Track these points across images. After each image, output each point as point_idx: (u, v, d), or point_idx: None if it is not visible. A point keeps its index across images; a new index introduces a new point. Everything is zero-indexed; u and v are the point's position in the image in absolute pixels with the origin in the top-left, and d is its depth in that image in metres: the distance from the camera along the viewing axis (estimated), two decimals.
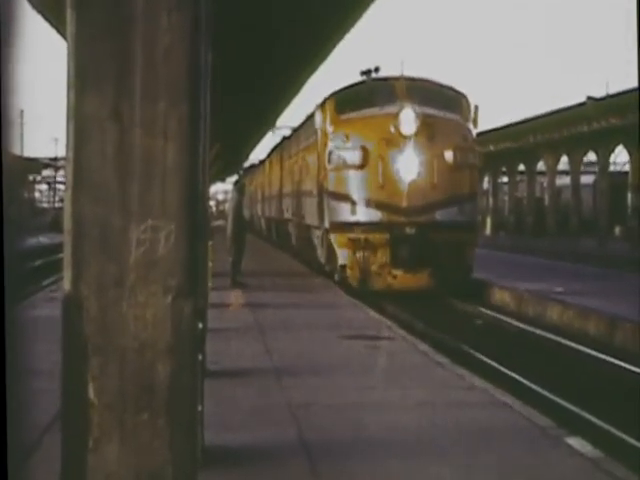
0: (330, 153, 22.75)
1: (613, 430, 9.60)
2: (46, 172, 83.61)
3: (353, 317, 16.16)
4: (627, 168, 54.23)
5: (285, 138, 39.64)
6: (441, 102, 23.23)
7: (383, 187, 21.82)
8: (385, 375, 10.76)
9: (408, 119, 21.80)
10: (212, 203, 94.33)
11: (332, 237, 22.51)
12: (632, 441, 9.18)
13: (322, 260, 24.48)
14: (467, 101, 23.72)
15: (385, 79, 24.11)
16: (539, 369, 13.15)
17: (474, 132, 23.54)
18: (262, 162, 54.93)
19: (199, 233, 4.92)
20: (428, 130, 21.97)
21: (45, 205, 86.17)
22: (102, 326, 4.64)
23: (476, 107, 23.66)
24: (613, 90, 45.16)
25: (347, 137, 22.48)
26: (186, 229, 4.70)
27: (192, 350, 4.76)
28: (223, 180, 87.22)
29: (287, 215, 34.64)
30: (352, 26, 21.05)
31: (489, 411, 8.99)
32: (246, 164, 66.20)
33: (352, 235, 21.82)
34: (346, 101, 23.62)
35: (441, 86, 24.01)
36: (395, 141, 21.86)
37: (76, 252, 4.65)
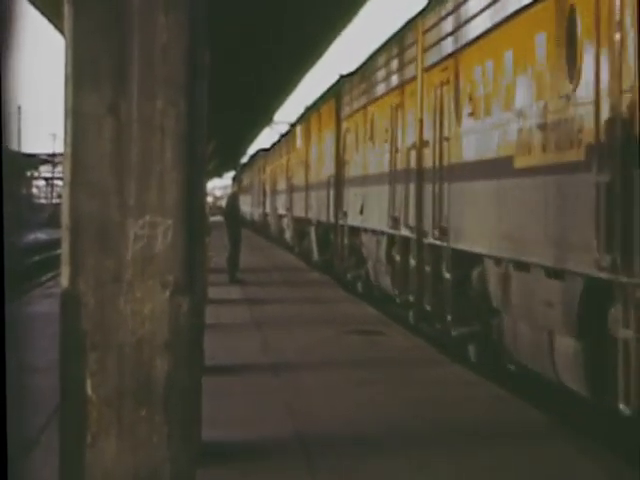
0: None
1: None
2: (44, 168, 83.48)
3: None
4: None
5: (339, 80, 24.39)
6: None
7: None
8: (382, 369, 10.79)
9: None
10: (209, 199, 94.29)
11: None
12: None
13: (575, 382, 8.22)
14: None
15: None
16: None
17: None
18: (283, 135, 41.25)
19: (197, 229, 4.94)
20: None
21: (43, 201, 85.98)
22: (100, 322, 4.65)
23: None
24: None
25: None
26: (184, 225, 4.71)
27: (190, 346, 4.77)
28: (220, 176, 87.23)
29: (355, 220, 19.80)
30: (349, 22, 21.03)
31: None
32: (251, 151, 64.09)
33: None
34: None
35: None
36: None
37: (74, 248, 4.66)
